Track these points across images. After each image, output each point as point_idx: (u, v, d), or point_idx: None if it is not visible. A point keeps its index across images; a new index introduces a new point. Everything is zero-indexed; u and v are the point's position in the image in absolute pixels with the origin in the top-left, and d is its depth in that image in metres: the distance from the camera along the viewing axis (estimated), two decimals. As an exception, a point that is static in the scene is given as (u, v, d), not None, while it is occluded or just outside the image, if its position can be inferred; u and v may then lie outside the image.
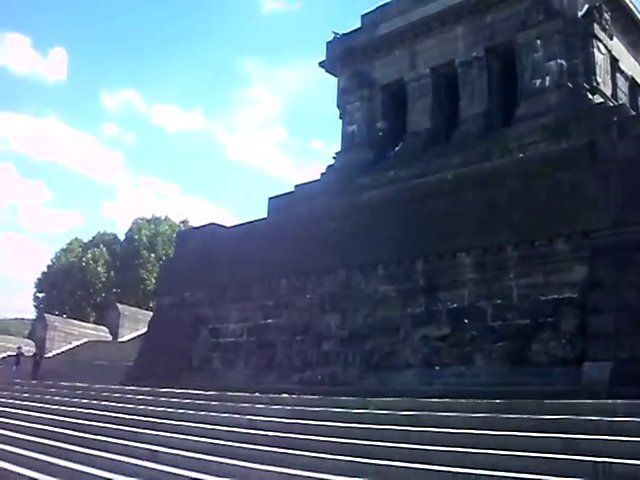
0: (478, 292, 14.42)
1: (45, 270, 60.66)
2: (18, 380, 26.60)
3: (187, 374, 20.15)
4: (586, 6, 20.56)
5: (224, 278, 20.67)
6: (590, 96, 19.36)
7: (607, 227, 12.69)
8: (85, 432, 12.81)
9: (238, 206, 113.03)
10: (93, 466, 10.27)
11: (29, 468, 10.69)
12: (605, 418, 8.50)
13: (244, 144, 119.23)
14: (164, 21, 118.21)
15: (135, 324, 39.35)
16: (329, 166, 25.84)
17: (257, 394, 14.20)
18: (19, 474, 10.19)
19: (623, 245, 12.37)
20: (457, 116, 22.50)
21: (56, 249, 63.72)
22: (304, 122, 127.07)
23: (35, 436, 13.22)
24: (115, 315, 40.97)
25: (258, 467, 8.84)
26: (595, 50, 20.17)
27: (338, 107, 26.14)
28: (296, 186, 25.49)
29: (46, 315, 42.40)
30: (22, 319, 58.89)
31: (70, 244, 61.72)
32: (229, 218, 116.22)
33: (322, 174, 25.65)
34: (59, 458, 11.14)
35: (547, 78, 19.97)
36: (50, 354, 36.56)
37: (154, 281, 51.17)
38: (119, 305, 42.99)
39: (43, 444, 12.38)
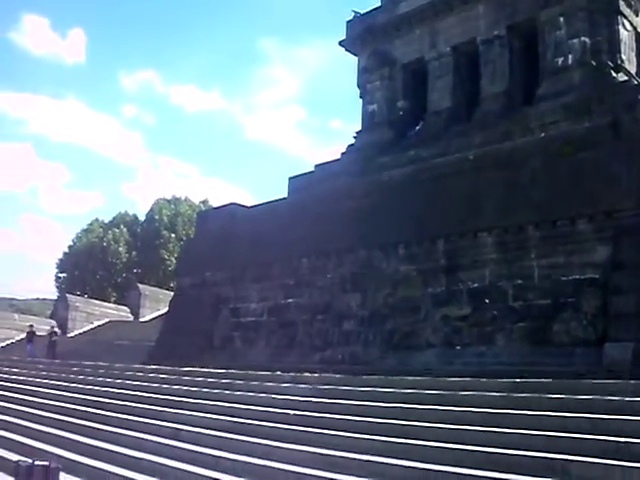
0: (499, 272, 14.40)
1: (66, 250, 61.13)
2: (29, 359, 26.81)
3: (208, 353, 20.33)
4: (611, -18, 20.18)
5: (244, 258, 20.78)
6: (614, 74, 19.10)
7: (630, 207, 12.59)
8: (109, 410, 13.00)
9: (257, 186, 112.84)
10: (118, 444, 10.47)
11: (55, 445, 10.94)
12: (626, 398, 8.45)
13: (263, 124, 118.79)
14: (182, 1, 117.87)
15: (156, 304, 39.63)
16: (349, 145, 25.78)
17: (279, 373, 14.28)
18: (46, 451, 10.40)
19: (647, 225, 12.25)
20: (478, 95, 22.32)
21: (76, 230, 64.04)
22: (323, 101, 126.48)
23: (60, 414, 13.45)
24: (136, 295, 41.29)
25: (292, 447, 8.87)
26: (620, 27, 19.88)
27: (358, 86, 26.05)
28: (316, 166, 25.48)
29: (68, 295, 42.78)
30: (44, 299, 59.43)
31: (91, 225, 62.06)
32: (248, 198, 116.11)
33: (342, 154, 25.61)
34: (84, 436, 11.36)
35: (570, 56, 19.69)
36: (72, 334, 36.99)
37: (174, 261, 51.37)
38: (140, 285, 43.29)
39: (68, 422, 12.61)
